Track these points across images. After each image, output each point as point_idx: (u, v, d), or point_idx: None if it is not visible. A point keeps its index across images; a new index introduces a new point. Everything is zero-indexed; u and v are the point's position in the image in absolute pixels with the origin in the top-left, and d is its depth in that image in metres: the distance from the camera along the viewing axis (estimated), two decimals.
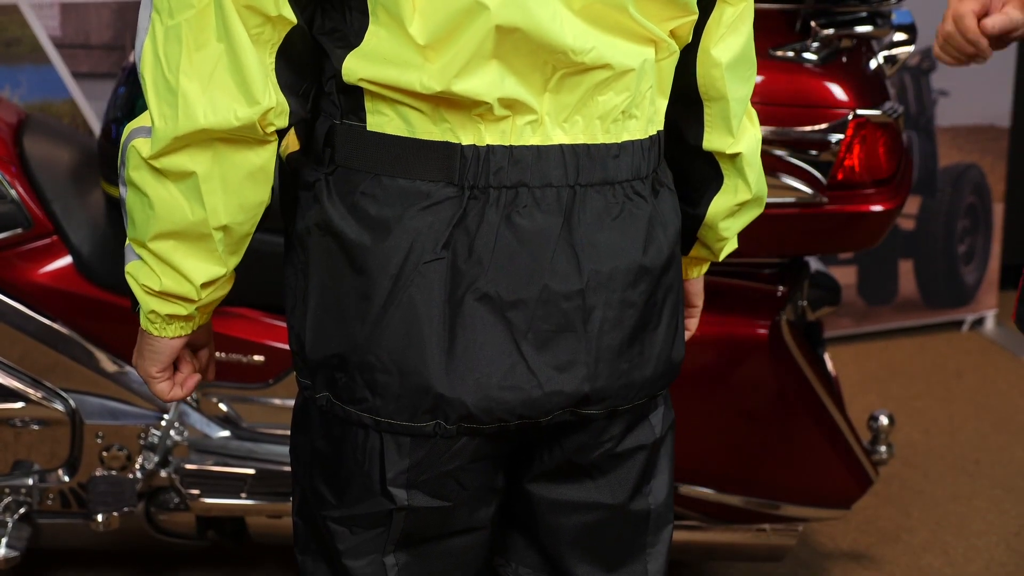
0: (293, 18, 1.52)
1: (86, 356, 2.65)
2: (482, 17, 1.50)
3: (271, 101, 1.53)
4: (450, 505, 1.67)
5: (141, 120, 1.59)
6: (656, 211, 1.67)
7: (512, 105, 1.55)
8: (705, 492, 2.63)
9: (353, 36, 1.55)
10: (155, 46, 1.54)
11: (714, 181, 1.82)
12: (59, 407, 2.64)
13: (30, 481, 2.67)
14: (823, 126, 2.40)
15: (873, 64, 2.53)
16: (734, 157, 1.79)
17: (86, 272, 2.63)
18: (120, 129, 2.62)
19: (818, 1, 2.48)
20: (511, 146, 1.57)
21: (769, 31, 2.42)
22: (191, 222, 1.58)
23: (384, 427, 1.62)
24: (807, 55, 2.43)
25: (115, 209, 2.68)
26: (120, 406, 2.66)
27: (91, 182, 2.71)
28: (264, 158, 1.57)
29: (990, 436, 3.75)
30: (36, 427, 2.65)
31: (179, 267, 1.62)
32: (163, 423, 2.66)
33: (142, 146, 1.56)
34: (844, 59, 2.47)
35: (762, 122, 2.29)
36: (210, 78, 1.52)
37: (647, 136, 1.66)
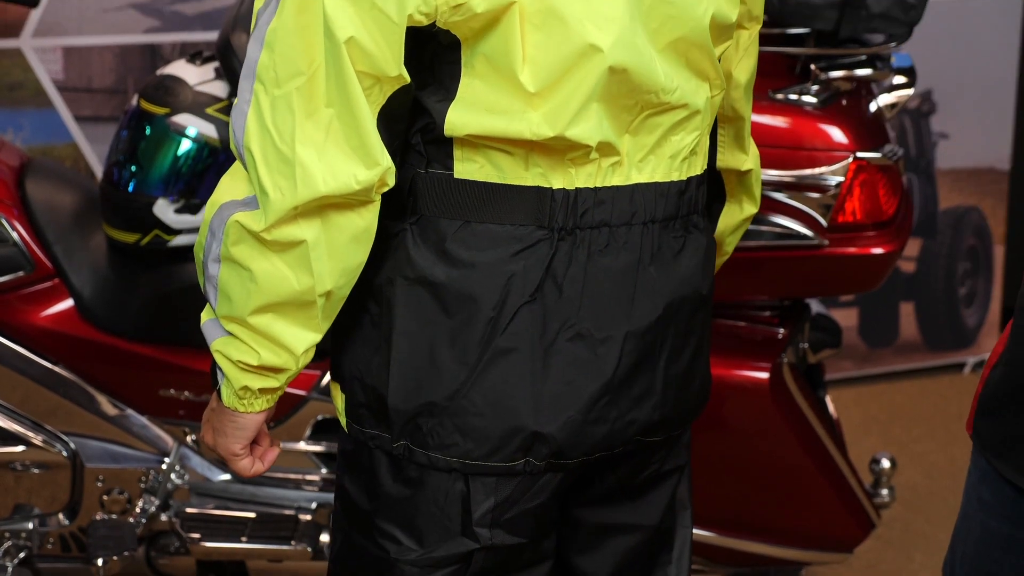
0: (407, 77, 1.53)
1: (87, 399, 2.65)
2: (595, 59, 1.52)
3: (388, 161, 1.54)
4: (527, 541, 1.70)
5: (228, 193, 1.58)
6: (708, 240, 1.74)
7: (602, 148, 1.59)
8: (707, 535, 2.62)
9: (445, 89, 1.56)
10: (261, 118, 1.53)
11: (718, 199, 1.89)
12: (60, 451, 2.63)
13: (30, 525, 2.66)
14: (823, 169, 2.41)
15: (873, 107, 2.54)
16: (745, 173, 1.85)
17: (87, 315, 2.63)
18: (122, 173, 2.63)
19: (818, 45, 2.49)
20: (596, 187, 1.60)
21: (770, 74, 2.43)
22: (297, 291, 1.57)
23: (471, 469, 1.64)
24: (807, 98, 2.44)
25: (116, 252, 2.68)
26: (121, 449, 2.66)
27: (93, 225, 2.72)
28: (368, 220, 1.57)
29: None
30: (37, 471, 2.64)
31: (279, 339, 1.60)
32: (164, 467, 2.66)
33: (248, 220, 1.55)
34: (844, 102, 2.48)
35: (763, 165, 2.30)
36: (324, 144, 1.52)
37: (703, 170, 1.72)
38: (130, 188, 2.62)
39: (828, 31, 2.46)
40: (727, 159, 1.85)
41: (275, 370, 1.63)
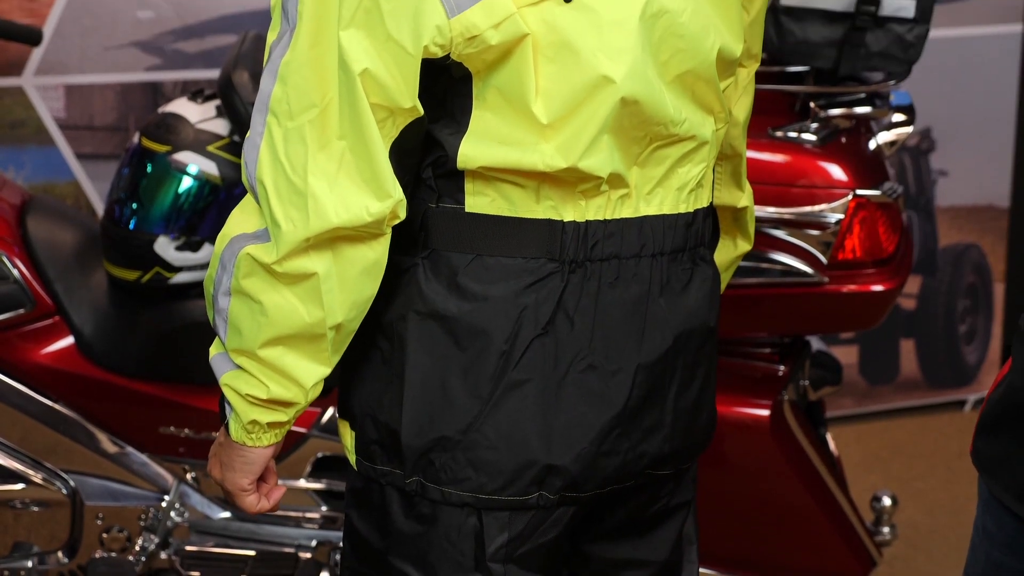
0: (421, 109, 1.54)
1: (87, 437, 2.65)
2: (608, 91, 1.53)
3: (399, 194, 1.54)
4: None
5: (240, 226, 1.58)
6: (714, 273, 1.75)
7: (613, 180, 1.60)
8: (709, 572, 2.61)
9: (456, 123, 1.57)
10: (274, 150, 1.53)
11: (713, 237, 1.86)
12: (59, 488, 2.63)
13: (29, 563, 2.65)
14: (823, 206, 2.41)
15: (872, 145, 2.55)
16: (741, 211, 1.86)
17: (88, 352, 2.63)
18: (123, 210, 2.63)
19: (817, 83, 2.50)
20: (606, 220, 1.61)
21: (769, 112, 2.43)
22: (307, 324, 1.57)
23: (484, 503, 1.64)
24: (807, 136, 2.45)
25: (117, 289, 2.68)
26: (121, 487, 2.66)
27: (94, 263, 2.72)
28: (378, 252, 1.58)
29: None
30: (36, 508, 2.64)
31: (289, 372, 1.60)
32: (164, 504, 2.65)
33: (259, 252, 1.55)
34: (843, 140, 2.49)
35: (763, 202, 2.31)
36: (336, 176, 1.52)
37: (709, 203, 1.73)
38: (131, 225, 2.62)
39: (827, 69, 2.47)
40: (723, 196, 1.86)
41: (284, 404, 1.63)
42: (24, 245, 2.64)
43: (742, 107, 1.82)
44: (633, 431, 1.67)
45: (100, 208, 3.53)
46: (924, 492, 3.86)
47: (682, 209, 1.67)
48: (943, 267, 4.30)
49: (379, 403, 1.67)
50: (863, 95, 2.51)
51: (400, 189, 1.54)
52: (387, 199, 1.53)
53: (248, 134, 1.58)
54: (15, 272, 2.60)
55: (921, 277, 4.30)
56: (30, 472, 2.62)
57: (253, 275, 1.56)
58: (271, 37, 1.57)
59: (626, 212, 1.62)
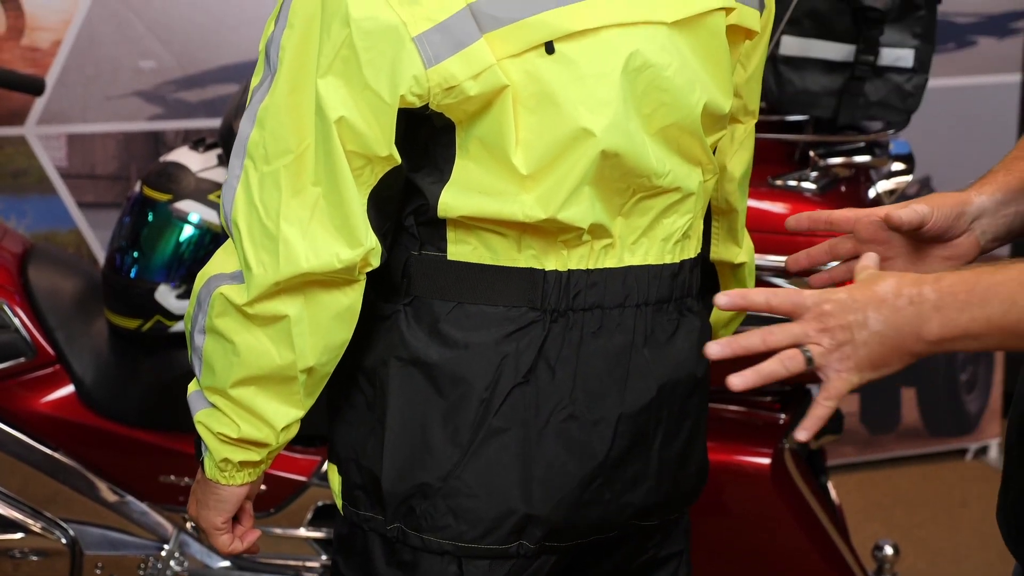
0: (398, 158, 1.54)
1: (87, 486, 2.64)
2: (588, 143, 1.54)
3: (372, 242, 1.55)
4: None
5: (218, 267, 1.60)
6: (703, 324, 1.74)
7: (594, 230, 1.60)
8: None
9: (439, 172, 1.58)
10: (249, 193, 1.55)
11: (711, 293, 1.86)
12: (59, 537, 2.62)
13: None
14: None
15: (872, 193, 2.55)
16: (738, 267, 1.85)
17: (88, 401, 2.63)
18: (124, 259, 2.64)
19: (817, 132, 2.50)
20: (589, 269, 1.61)
21: (769, 161, 2.44)
22: (278, 366, 1.59)
23: (464, 552, 1.64)
24: (806, 184, 2.45)
25: (118, 338, 2.68)
26: (120, 536, 2.65)
27: (95, 311, 2.72)
28: (352, 298, 1.59)
29: (996, 566, 3.72)
30: (35, 558, 2.63)
31: (260, 412, 1.62)
32: (163, 553, 2.64)
33: (232, 293, 1.57)
34: (843, 188, 2.49)
35: (763, 250, 2.30)
36: (309, 222, 1.53)
37: (696, 254, 1.73)
38: (132, 274, 2.63)
39: (826, 118, 2.48)
40: (720, 251, 1.85)
41: (256, 444, 1.64)
42: (25, 294, 2.64)
43: (738, 162, 1.81)
44: (616, 481, 1.66)
45: (101, 257, 3.53)
46: (926, 541, 3.84)
47: (667, 260, 1.66)
48: None
49: (363, 448, 1.67)
50: (862, 144, 2.52)
51: (373, 237, 1.55)
52: (358, 247, 1.54)
53: (227, 176, 1.59)
54: (16, 321, 2.60)
55: None
56: (29, 521, 2.62)
57: (226, 315, 1.58)
58: (254, 81, 1.58)
59: (610, 262, 1.62)
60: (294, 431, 1.66)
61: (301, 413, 1.64)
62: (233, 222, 1.57)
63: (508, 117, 1.52)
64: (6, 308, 2.60)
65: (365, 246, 1.55)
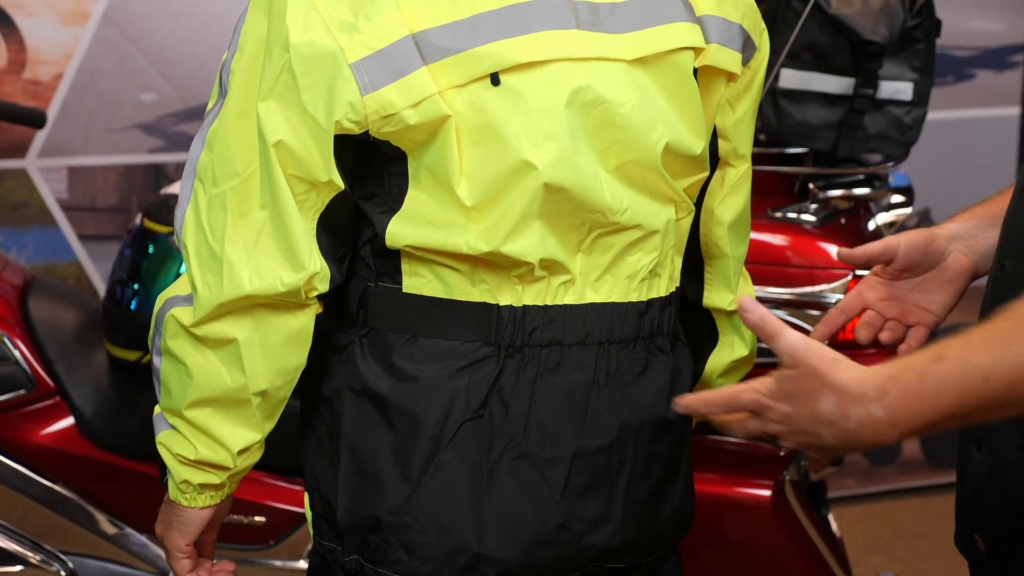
0: (341, 184, 1.54)
1: (86, 518, 2.64)
2: (530, 176, 1.52)
3: (316, 266, 1.55)
4: None
5: (176, 289, 1.60)
6: (676, 365, 1.70)
7: (550, 266, 1.58)
8: None
9: (392, 201, 1.57)
10: (198, 215, 1.56)
11: (710, 338, 1.85)
12: (58, 570, 2.62)
13: None
14: (823, 287, 2.42)
15: (872, 226, 2.56)
16: (732, 314, 1.82)
17: (88, 433, 2.63)
18: (125, 291, 2.64)
19: (816, 164, 2.51)
20: (546, 306, 1.59)
21: (768, 193, 2.45)
22: (231, 388, 1.58)
23: None
24: (806, 216, 2.46)
25: (118, 370, 2.68)
26: (120, 568, 2.64)
27: (95, 343, 2.72)
28: (303, 322, 1.59)
29: None
30: None
31: (216, 435, 1.62)
32: None
33: (182, 314, 1.57)
34: (843, 221, 2.50)
35: (762, 282, 2.31)
36: (255, 245, 1.54)
37: (668, 293, 1.69)
38: (133, 306, 2.63)
39: (826, 151, 2.49)
40: (712, 297, 1.81)
41: (214, 466, 1.64)
42: (25, 326, 2.64)
43: (729, 207, 1.77)
44: (575, 522, 1.62)
45: (102, 289, 3.54)
46: (928, 573, 3.83)
47: (633, 298, 1.64)
48: None
49: (324, 478, 1.67)
50: (862, 177, 2.53)
51: (318, 261, 1.55)
52: (301, 271, 1.54)
53: (179, 197, 1.60)
54: (16, 353, 2.60)
55: None
56: (28, 554, 2.61)
57: (179, 336, 1.58)
58: (209, 104, 1.59)
59: (569, 299, 1.60)
60: (255, 455, 1.66)
61: (259, 436, 1.63)
62: (182, 243, 1.58)
63: (452, 148, 1.51)
64: (6, 340, 2.60)
65: (308, 270, 1.54)
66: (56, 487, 2.62)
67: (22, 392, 2.61)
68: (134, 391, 2.66)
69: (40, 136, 3.48)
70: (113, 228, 3.59)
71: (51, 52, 3.46)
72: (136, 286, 2.64)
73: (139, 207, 3.50)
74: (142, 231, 2.66)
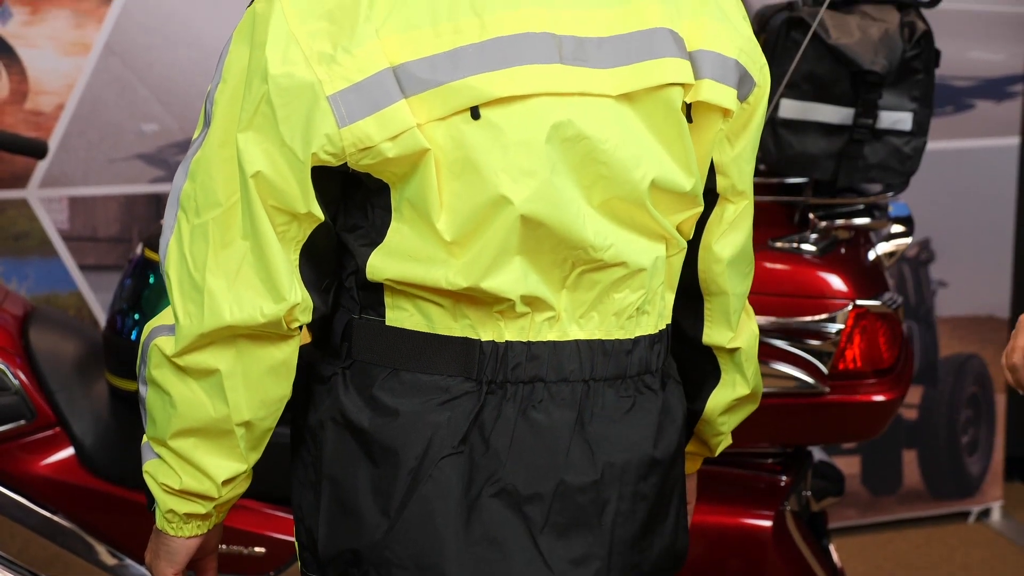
0: (321, 215, 1.54)
1: (85, 549, 2.63)
2: (507, 211, 1.51)
3: (296, 297, 1.55)
4: None
5: (161, 319, 1.60)
6: (665, 403, 1.68)
7: (532, 302, 1.57)
8: None
9: (376, 233, 1.57)
10: (181, 245, 1.56)
11: (712, 376, 1.83)
12: None
13: None
14: (823, 316, 2.42)
15: (872, 255, 2.56)
16: (733, 352, 1.80)
17: (88, 464, 2.63)
18: (125, 321, 2.64)
19: (816, 194, 2.51)
20: (529, 342, 1.58)
21: (769, 223, 2.45)
22: (213, 419, 1.58)
23: None
24: (806, 246, 2.46)
25: (119, 400, 2.68)
26: None
27: (95, 373, 2.72)
28: (286, 353, 1.58)
29: None
30: None
31: (200, 465, 1.61)
32: None
33: (165, 344, 1.57)
34: (843, 250, 2.50)
35: (763, 312, 2.31)
36: (236, 275, 1.54)
37: (657, 330, 1.67)
38: (133, 336, 2.63)
39: (826, 180, 2.49)
40: (712, 335, 1.80)
41: (199, 496, 1.64)
42: (26, 356, 2.64)
43: (727, 244, 1.75)
44: (556, 561, 1.60)
45: (103, 319, 3.53)
46: None
47: (619, 335, 1.62)
48: (944, 377, 4.30)
49: (309, 508, 1.67)
50: (862, 206, 2.53)
51: (299, 293, 1.55)
52: (282, 302, 1.54)
53: (163, 225, 1.60)
54: (16, 383, 2.60)
55: (922, 387, 4.29)
56: None
57: (163, 366, 1.58)
58: (195, 134, 1.59)
59: (553, 335, 1.59)
60: (241, 486, 1.65)
61: (244, 467, 1.63)
62: (165, 272, 1.58)
63: (431, 181, 1.50)
64: (7, 370, 2.60)
65: (289, 301, 1.54)
66: (56, 518, 2.62)
67: (22, 422, 2.60)
68: (134, 421, 2.65)
69: (41, 166, 3.49)
70: (114, 258, 3.59)
71: (53, 83, 3.46)
72: (137, 316, 2.64)
73: (140, 237, 3.51)
74: (143, 261, 2.66)
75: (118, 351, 2.65)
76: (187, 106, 3.54)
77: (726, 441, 1.90)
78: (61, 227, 3.54)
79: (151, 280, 2.64)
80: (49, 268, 3.57)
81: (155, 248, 2.65)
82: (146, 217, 3.58)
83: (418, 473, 1.57)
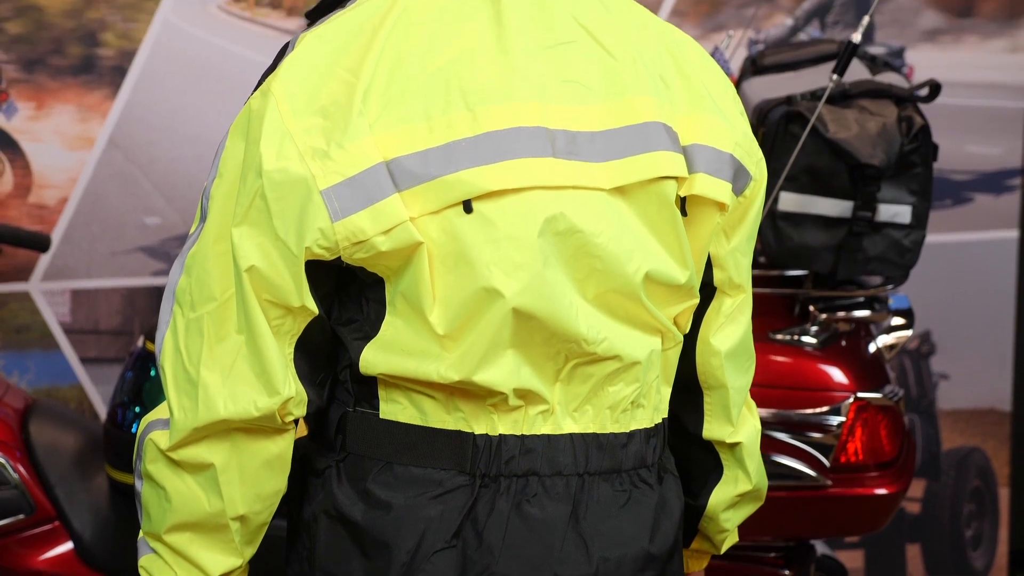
0: (315, 309, 1.54)
1: None
2: (498, 304, 1.51)
3: (291, 391, 1.54)
4: None
5: (157, 413, 1.60)
6: (662, 498, 1.66)
7: (526, 395, 1.56)
8: None
9: (370, 327, 1.56)
10: (176, 339, 1.56)
11: (714, 471, 1.81)
12: None
13: None
14: (824, 409, 2.42)
15: (872, 348, 2.56)
16: (734, 447, 1.79)
17: (87, 558, 2.61)
18: (126, 414, 2.64)
19: (816, 286, 2.52)
20: (523, 435, 1.57)
21: (768, 315, 2.45)
22: (208, 513, 1.57)
23: None
24: (807, 339, 2.46)
25: (119, 494, 2.67)
26: None
27: (95, 467, 2.71)
28: (281, 447, 1.58)
29: None
30: None
31: (195, 560, 1.60)
32: None
33: (160, 438, 1.57)
34: (843, 343, 2.50)
35: (763, 405, 2.31)
36: (230, 369, 1.53)
37: (653, 424, 1.66)
38: (134, 429, 2.62)
39: (825, 273, 2.50)
40: (712, 429, 1.78)
41: None
42: (26, 450, 2.64)
43: (725, 337, 1.74)
44: None
45: (103, 412, 3.53)
46: None
47: (614, 429, 1.61)
48: (947, 471, 4.28)
49: None
50: (862, 299, 2.54)
51: (294, 386, 1.55)
52: (276, 396, 1.54)
53: (159, 319, 1.60)
54: (15, 477, 2.59)
55: (925, 481, 4.28)
56: None
57: (158, 460, 1.58)
58: (192, 228, 1.60)
59: (547, 429, 1.58)
60: None
61: (239, 562, 1.62)
62: (160, 366, 1.58)
63: (424, 274, 1.50)
64: (6, 464, 2.59)
65: (283, 395, 1.54)
66: None
67: (21, 517, 2.60)
68: (134, 515, 2.64)
69: (44, 259, 3.50)
70: (115, 351, 3.59)
71: (57, 176, 3.49)
72: (137, 409, 2.64)
73: (141, 329, 3.51)
74: (144, 353, 2.67)
75: (118, 444, 2.64)
76: (189, 200, 3.56)
77: (732, 538, 1.88)
78: (63, 320, 3.55)
79: (152, 373, 2.64)
80: (50, 361, 3.57)
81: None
82: (148, 309, 3.59)
83: (410, 568, 1.56)
